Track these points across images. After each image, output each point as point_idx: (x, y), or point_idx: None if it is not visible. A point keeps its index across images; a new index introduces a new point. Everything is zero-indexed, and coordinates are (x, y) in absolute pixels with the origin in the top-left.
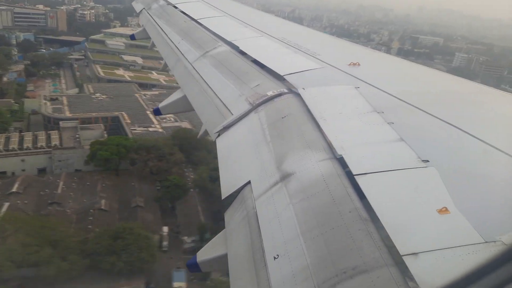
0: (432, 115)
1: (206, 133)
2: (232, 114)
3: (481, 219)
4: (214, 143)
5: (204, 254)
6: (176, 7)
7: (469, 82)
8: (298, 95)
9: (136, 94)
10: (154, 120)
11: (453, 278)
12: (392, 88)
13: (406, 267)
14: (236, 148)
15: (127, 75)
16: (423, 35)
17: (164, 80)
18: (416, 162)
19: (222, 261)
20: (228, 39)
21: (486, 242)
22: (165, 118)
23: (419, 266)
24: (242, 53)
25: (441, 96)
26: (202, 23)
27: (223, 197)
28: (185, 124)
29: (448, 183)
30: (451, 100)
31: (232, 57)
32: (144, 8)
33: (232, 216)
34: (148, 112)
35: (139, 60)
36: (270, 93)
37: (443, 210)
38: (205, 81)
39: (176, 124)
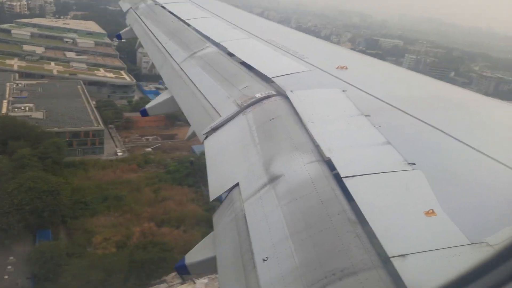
0: (418, 119)
1: (193, 134)
2: (220, 116)
3: (467, 221)
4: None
5: (193, 257)
6: (164, 7)
7: (455, 87)
8: (286, 97)
9: (8, 83)
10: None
11: (440, 280)
12: (379, 92)
13: (394, 268)
14: (224, 150)
15: (17, 65)
16: (391, 39)
17: (58, 71)
18: (403, 165)
19: (211, 264)
20: (216, 40)
21: (472, 243)
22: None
23: (407, 267)
24: (230, 55)
25: (427, 100)
26: (190, 24)
27: (211, 199)
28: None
29: (434, 185)
30: (437, 104)
31: (220, 58)
32: (131, 8)
33: (220, 218)
34: (5, 101)
35: (40, 50)
36: (258, 95)
37: (430, 213)
38: (192, 82)
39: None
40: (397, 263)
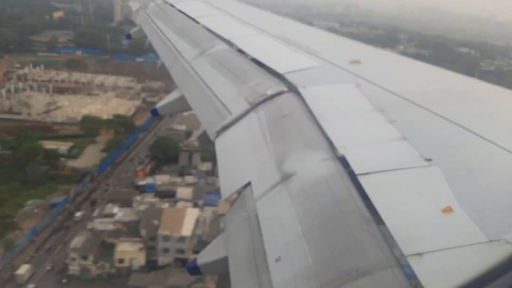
0: (434, 113)
1: (204, 133)
2: (231, 114)
3: (485, 218)
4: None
5: (205, 257)
6: (173, 6)
7: (473, 80)
8: (298, 93)
9: None
10: None
11: (457, 278)
12: (394, 86)
13: (411, 267)
14: (236, 149)
15: None
16: (375, 30)
17: None
18: (419, 161)
19: (223, 264)
20: (227, 37)
21: (491, 241)
22: None
23: (423, 266)
24: (241, 52)
25: (444, 94)
26: (200, 22)
27: (223, 198)
28: None
29: (452, 182)
30: (454, 98)
31: (231, 55)
32: (140, 7)
33: (232, 218)
34: None
35: None
36: (269, 92)
37: (447, 210)
38: (203, 81)
39: None
40: (413, 262)
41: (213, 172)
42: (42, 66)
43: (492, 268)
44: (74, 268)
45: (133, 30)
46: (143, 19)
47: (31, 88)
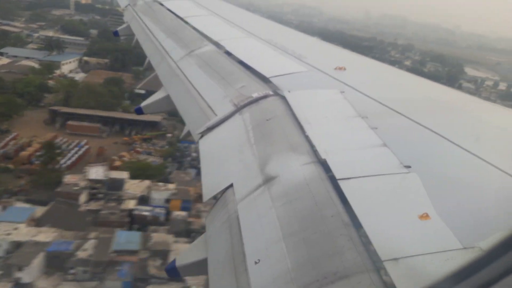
0: (415, 122)
1: (189, 133)
2: (216, 115)
3: (461, 225)
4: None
5: (184, 259)
6: (162, 5)
7: (453, 90)
8: (283, 97)
9: None
10: None
11: (430, 284)
12: (376, 94)
13: (387, 272)
14: (219, 150)
15: None
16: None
17: None
18: (399, 168)
19: (202, 266)
20: (215, 38)
21: (465, 248)
22: None
23: (399, 271)
24: (228, 54)
25: (425, 103)
26: (189, 22)
27: (204, 200)
28: None
29: (429, 189)
30: (434, 107)
31: (218, 57)
32: (129, 4)
33: (213, 220)
34: None
35: None
36: (255, 95)
37: (424, 216)
38: (189, 81)
39: None
40: (389, 266)
41: None
42: None
43: (460, 271)
44: None
45: (120, 27)
46: (131, 17)
47: None
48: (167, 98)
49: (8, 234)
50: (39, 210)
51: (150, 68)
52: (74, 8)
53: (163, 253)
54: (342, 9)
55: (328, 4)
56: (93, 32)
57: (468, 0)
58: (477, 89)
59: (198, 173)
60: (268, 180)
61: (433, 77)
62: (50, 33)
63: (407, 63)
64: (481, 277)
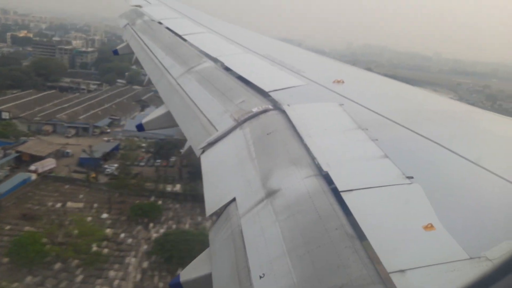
0: (415, 133)
1: (190, 149)
2: (217, 130)
3: (466, 235)
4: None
5: (188, 274)
6: (161, 23)
7: (453, 101)
8: (283, 111)
9: None
10: None
11: None
12: (376, 106)
13: (393, 284)
14: (221, 165)
15: None
16: None
17: None
18: (401, 178)
19: (206, 281)
20: (213, 55)
21: (471, 258)
22: None
23: (405, 283)
24: (227, 69)
25: (425, 113)
26: (187, 39)
27: (207, 215)
28: None
29: (433, 199)
30: (434, 117)
31: (217, 73)
32: (128, 24)
33: (216, 234)
34: None
35: None
36: (255, 110)
37: (429, 227)
38: (189, 97)
39: None
40: (396, 278)
41: None
42: None
43: (471, 285)
44: None
45: (119, 46)
46: (130, 36)
47: None
48: (168, 114)
49: None
50: None
51: (150, 84)
52: (11, 42)
53: None
54: (326, 40)
55: (311, 37)
56: None
57: (454, 28)
58: None
59: None
60: (271, 194)
61: None
62: None
63: None
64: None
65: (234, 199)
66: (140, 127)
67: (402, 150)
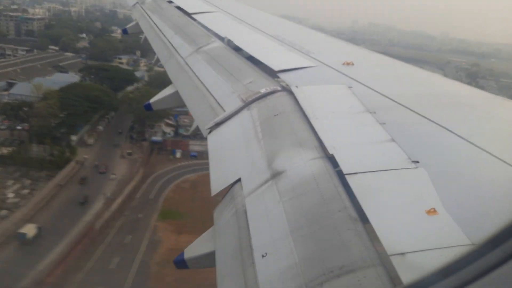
0: (423, 117)
1: (197, 129)
2: (224, 111)
3: (469, 221)
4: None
5: (192, 251)
6: (170, 2)
7: (462, 85)
8: (291, 93)
9: None
10: None
11: (437, 278)
12: (385, 89)
13: (393, 266)
14: (227, 145)
15: None
16: None
17: None
18: (406, 162)
19: (210, 258)
20: (222, 35)
21: (473, 244)
22: None
23: (405, 266)
24: (236, 50)
25: (433, 98)
26: (196, 18)
27: (212, 194)
28: None
29: (437, 184)
30: (443, 102)
31: (226, 53)
32: (137, 2)
33: (221, 213)
34: None
35: None
36: (263, 91)
37: (432, 211)
38: (197, 77)
39: None
40: (395, 261)
41: None
42: None
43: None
44: None
45: (129, 25)
46: (139, 15)
47: None
48: (176, 94)
49: None
50: None
51: (158, 63)
52: None
53: None
54: (331, 18)
55: (316, 15)
56: None
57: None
58: None
59: None
60: (276, 175)
61: None
62: None
63: None
64: (471, 270)
65: (239, 180)
66: (148, 106)
67: (409, 134)
